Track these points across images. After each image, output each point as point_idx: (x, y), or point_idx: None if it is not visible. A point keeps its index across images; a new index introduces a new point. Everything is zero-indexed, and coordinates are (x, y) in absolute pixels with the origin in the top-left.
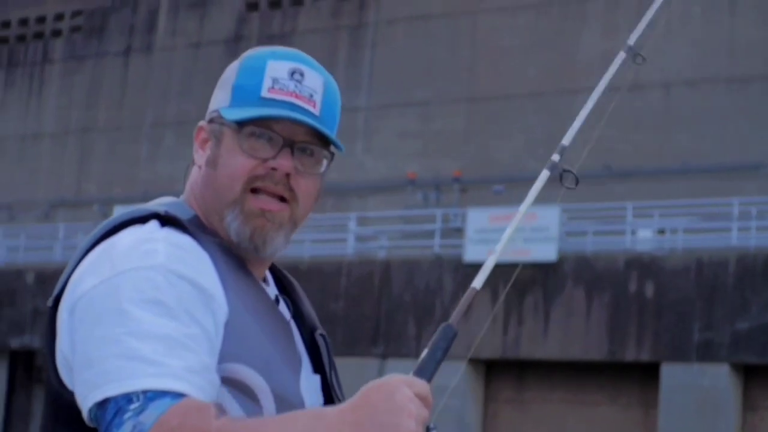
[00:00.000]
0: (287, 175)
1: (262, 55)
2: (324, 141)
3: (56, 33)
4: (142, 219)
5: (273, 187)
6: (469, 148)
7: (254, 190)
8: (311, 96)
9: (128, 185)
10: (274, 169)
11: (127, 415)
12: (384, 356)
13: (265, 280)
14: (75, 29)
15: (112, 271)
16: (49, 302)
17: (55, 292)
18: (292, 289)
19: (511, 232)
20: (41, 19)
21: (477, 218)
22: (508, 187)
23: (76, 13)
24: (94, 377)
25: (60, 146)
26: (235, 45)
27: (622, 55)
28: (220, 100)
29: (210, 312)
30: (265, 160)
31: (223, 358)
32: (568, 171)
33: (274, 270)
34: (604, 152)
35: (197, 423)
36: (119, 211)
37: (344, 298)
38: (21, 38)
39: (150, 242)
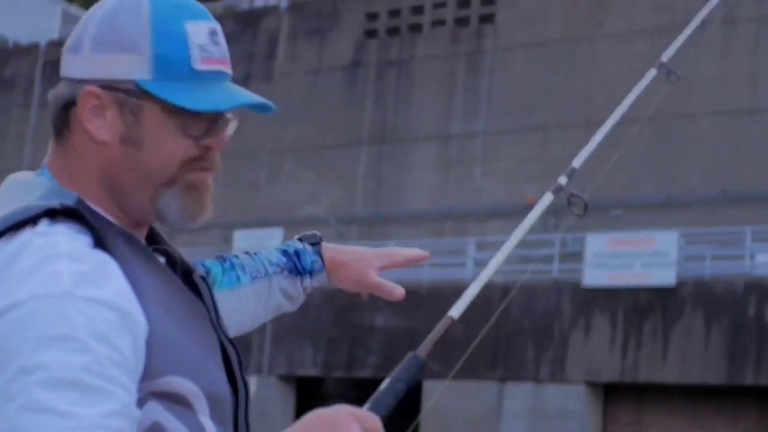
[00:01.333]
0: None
1: (175, 14)
2: None
3: None
4: (34, 219)
5: (210, 167)
6: (586, 173)
7: (189, 167)
8: (226, 56)
9: (247, 211)
10: (210, 148)
11: None
12: (503, 380)
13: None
14: None
15: (9, 304)
16: None
17: None
18: (158, 235)
19: (503, 257)
20: None
21: (596, 243)
22: (625, 212)
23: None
24: None
25: None
26: (353, 71)
27: (653, 72)
28: (128, 67)
29: (128, 332)
30: (197, 138)
31: (153, 374)
32: (577, 196)
33: None
34: (720, 177)
35: None
36: (239, 236)
37: (463, 322)
38: None
39: (50, 261)
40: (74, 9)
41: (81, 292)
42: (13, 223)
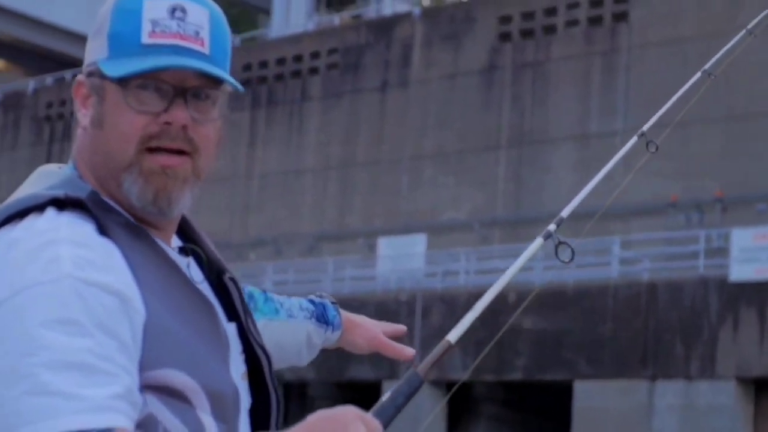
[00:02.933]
0: (184, 127)
1: None
2: (217, 80)
3: (313, 71)
4: (40, 207)
5: (170, 143)
6: (728, 168)
7: (151, 150)
8: (197, 33)
9: (390, 217)
10: (168, 123)
11: None
12: (653, 378)
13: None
14: (331, 66)
15: (11, 290)
16: None
17: None
18: (194, 234)
19: (498, 288)
20: (298, 58)
21: (741, 237)
22: None
23: (332, 51)
24: (6, 420)
25: (321, 181)
26: (489, 75)
27: (698, 75)
28: (96, 50)
29: (127, 318)
30: (157, 114)
31: (148, 365)
32: (564, 243)
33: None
34: None
35: None
36: (383, 243)
37: (611, 321)
38: (279, 77)
39: (51, 245)
40: None
41: (82, 275)
42: (19, 209)
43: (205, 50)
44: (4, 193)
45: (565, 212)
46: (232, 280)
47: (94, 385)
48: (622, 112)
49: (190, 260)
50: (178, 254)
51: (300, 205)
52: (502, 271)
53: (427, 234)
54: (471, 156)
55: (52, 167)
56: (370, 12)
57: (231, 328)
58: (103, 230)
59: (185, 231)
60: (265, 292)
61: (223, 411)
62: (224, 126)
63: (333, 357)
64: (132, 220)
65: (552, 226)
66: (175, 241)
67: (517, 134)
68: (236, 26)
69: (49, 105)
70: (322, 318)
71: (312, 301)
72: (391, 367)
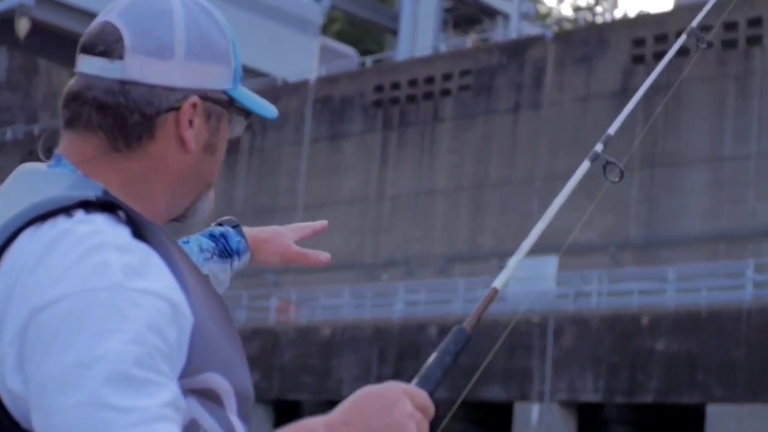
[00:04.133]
0: None
1: (228, 29)
2: None
3: (445, 92)
4: (68, 208)
5: None
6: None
7: None
8: None
9: (521, 238)
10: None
11: None
12: None
13: None
14: (463, 88)
15: (60, 292)
16: None
17: None
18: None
19: (545, 223)
20: (430, 80)
21: None
22: None
23: (464, 73)
24: (57, 429)
25: (453, 202)
26: (621, 97)
27: (683, 38)
28: (220, 76)
29: (175, 325)
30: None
31: (195, 370)
32: (613, 163)
33: None
34: None
35: None
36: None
37: (744, 345)
38: (411, 99)
39: (98, 251)
40: (330, 42)
41: (133, 284)
42: (45, 211)
43: None
44: None
45: (612, 129)
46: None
47: (147, 396)
48: (756, 135)
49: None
50: None
51: (431, 226)
52: (635, 293)
53: (558, 256)
54: (603, 178)
55: (38, 166)
56: (498, 35)
57: None
58: (138, 233)
59: None
60: None
61: (246, 411)
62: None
63: (462, 377)
64: (152, 221)
65: (599, 146)
66: None
67: (649, 156)
68: (360, 45)
69: None
70: (224, 252)
71: (212, 236)
72: (521, 387)
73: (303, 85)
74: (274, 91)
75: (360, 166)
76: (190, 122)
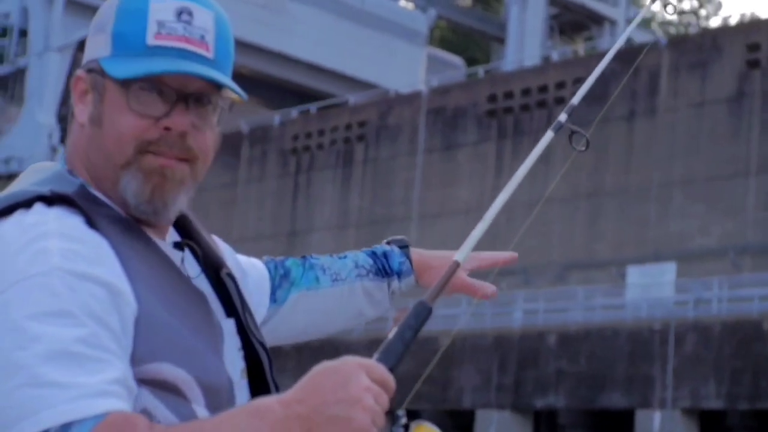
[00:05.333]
0: (183, 134)
1: None
2: (219, 85)
3: (559, 100)
4: (27, 203)
5: (168, 150)
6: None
7: (150, 151)
8: (203, 37)
9: (639, 245)
10: (167, 128)
11: None
12: None
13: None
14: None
15: (10, 279)
16: None
17: None
18: (191, 229)
19: (509, 192)
20: (543, 88)
21: None
22: None
23: (577, 81)
24: (4, 413)
25: (570, 210)
26: (737, 103)
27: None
28: (98, 46)
29: (116, 310)
30: (157, 119)
31: (141, 359)
32: (578, 132)
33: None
34: None
35: None
36: (632, 271)
37: None
38: (525, 107)
39: (40, 239)
40: (436, 51)
41: (70, 266)
42: (4, 206)
43: (210, 55)
44: (253, 225)
45: (575, 99)
46: (230, 275)
47: (89, 372)
48: None
49: (185, 254)
50: (173, 249)
51: (548, 235)
52: (756, 299)
53: (676, 262)
54: (720, 183)
55: (45, 164)
56: (605, 41)
57: (229, 324)
58: (92, 224)
59: (183, 226)
60: (306, 259)
61: (217, 404)
62: (217, 133)
63: (584, 385)
64: (123, 214)
65: (563, 116)
66: (173, 236)
67: (766, 161)
68: (464, 53)
69: (295, 137)
70: (382, 271)
71: (374, 253)
72: (644, 394)
73: (416, 96)
74: (386, 102)
75: (474, 175)
76: (83, 97)
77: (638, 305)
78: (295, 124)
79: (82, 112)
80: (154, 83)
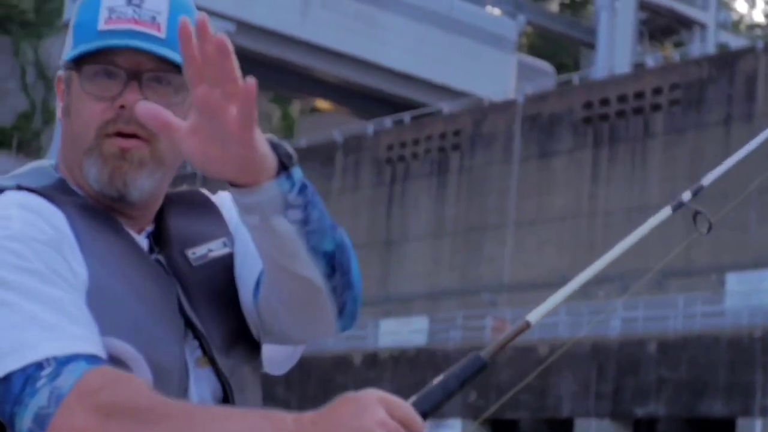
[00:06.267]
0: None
1: None
2: (177, 65)
3: (655, 107)
4: None
5: (124, 127)
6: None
7: (109, 135)
8: (154, 19)
9: (738, 252)
10: (122, 107)
11: (40, 383)
12: None
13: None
14: (674, 102)
15: None
16: None
17: None
18: (171, 216)
19: (602, 264)
20: (639, 95)
21: None
22: None
23: (674, 86)
24: None
25: (669, 217)
26: None
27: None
28: (68, 44)
29: (75, 278)
30: (112, 99)
31: None
32: (702, 214)
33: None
34: None
35: (125, 388)
36: (731, 278)
37: None
38: (621, 114)
39: (4, 209)
40: (526, 58)
41: (31, 233)
42: None
43: (161, 35)
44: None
45: (706, 180)
46: (189, 263)
47: (73, 323)
48: None
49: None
50: (145, 239)
51: (646, 242)
52: None
53: None
54: None
55: (41, 161)
56: (695, 47)
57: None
58: (56, 205)
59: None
60: None
61: (166, 384)
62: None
63: (684, 393)
64: (90, 202)
65: (687, 195)
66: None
67: None
68: (552, 59)
69: (390, 147)
70: None
71: None
72: (745, 402)
73: (510, 103)
74: (480, 110)
75: (571, 183)
76: (62, 94)
77: (738, 312)
78: (389, 134)
79: (59, 108)
80: (105, 65)
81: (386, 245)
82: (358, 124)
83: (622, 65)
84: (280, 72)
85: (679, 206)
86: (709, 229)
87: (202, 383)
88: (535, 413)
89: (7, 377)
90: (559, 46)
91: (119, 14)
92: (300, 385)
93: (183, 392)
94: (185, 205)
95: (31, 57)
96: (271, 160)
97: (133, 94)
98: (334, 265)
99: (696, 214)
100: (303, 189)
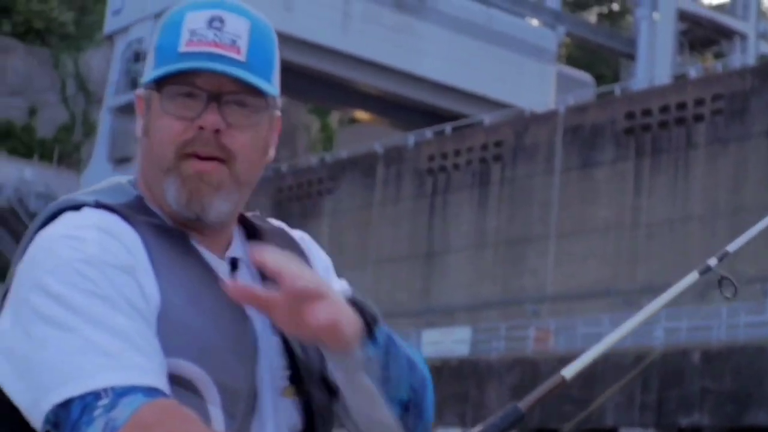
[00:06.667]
0: (216, 132)
1: (180, 9)
2: (257, 89)
3: (698, 117)
4: (76, 207)
5: (202, 149)
6: None
7: (187, 155)
8: (234, 42)
9: None
10: (201, 128)
11: (96, 412)
12: None
13: (229, 247)
14: (716, 112)
15: (42, 268)
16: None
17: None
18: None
19: (633, 325)
20: (682, 105)
21: None
22: None
23: (716, 97)
24: (48, 377)
25: (709, 228)
26: None
27: None
28: (149, 65)
29: (146, 302)
30: (192, 120)
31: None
32: (728, 279)
33: (252, 227)
34: None
35: (179, 425)
36: None
37: None
38: (663, 125)
39: (80, 229)
40: (566, 69)
41: (106, 257)
42: (55, 210)
43: (241, 58)
44: (388, 246)
45: (731, 247)
46: None
47: (135, 352)
48: None
49: (242, 271)
50: (222, 261)
51: (687, 252)
52: None
53: None
54: None
55: (119, 178)
56: (736, 58)
57: (274, 341)
58: (131, 225)
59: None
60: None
61: (234, 407)
62: (272, 134)
63: (729, 403)
64: (169, 223)
65: (713, 261)
66: (237, 250)
67: None
68: (591, 69)
69: (431, 158)
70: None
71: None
72: None
73: (552, 114)
74: (522, 121)
75: (613, 194)
76: (142, 112)
77: None
78: (430, 145)
79: (139, 127)
80: (187, 87)
81: (428, 256)
82: (399, 136)
83: (662, 76)
84: (321, 84)
85: (706, 271)
86: (735, 293)
87: (281, 414)
88: (579, 423)
89: (66, 403)
90: (596, 56)
91: (200, 37)
92: None
93: (251, 408)
94: (276, 243)
95: (71, 69)
96: (357, 326)
97: (213, 115)
98: (408, 408)
99: (721, 279)
100: (387, 348)
